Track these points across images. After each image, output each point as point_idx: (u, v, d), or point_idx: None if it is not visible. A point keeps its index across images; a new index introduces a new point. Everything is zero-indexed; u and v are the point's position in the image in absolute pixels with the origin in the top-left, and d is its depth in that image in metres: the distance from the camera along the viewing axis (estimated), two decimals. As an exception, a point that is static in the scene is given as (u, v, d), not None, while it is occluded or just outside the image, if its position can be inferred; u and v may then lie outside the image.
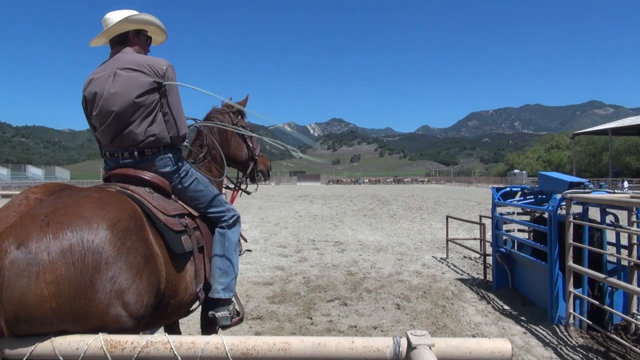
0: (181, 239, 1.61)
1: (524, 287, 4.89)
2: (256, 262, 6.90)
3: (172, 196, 1.70)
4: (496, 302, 4.71)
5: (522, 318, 4.16)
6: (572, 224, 3.77)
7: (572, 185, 4.16)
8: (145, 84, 1.60)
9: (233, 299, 1.82)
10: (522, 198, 5.21)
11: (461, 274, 6.07)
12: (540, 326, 3.90)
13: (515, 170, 70.35)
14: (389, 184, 76.52)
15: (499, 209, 5.37)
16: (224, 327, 1.78)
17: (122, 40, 1.76)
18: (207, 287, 1.73)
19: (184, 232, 1.65)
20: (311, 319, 4.12)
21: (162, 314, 1.45)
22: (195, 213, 1.76)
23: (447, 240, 7.59)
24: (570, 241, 3.79)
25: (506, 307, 4.53)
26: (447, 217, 7.95)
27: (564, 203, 3.91)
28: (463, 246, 7.34)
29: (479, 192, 32.61)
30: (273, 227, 11.66)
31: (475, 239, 7.92)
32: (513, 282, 5.04)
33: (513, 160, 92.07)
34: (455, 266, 6.60)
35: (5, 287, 0.99)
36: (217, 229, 1.83)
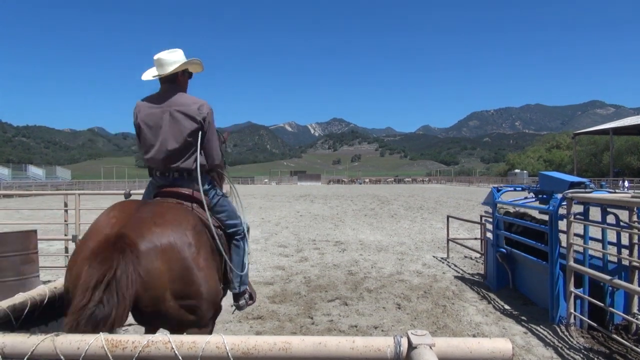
0: (220, 246, 2.09)
1: (524, 287, 4.89)
2: (257, 262, 6.91)
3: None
4: (497, 302, 4.71)
5: (523, 318, 4.15)
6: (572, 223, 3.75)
7: (572, 185, 4.16)
8: (194, 127, 2.09)
9: (247, 288, 2.42)
10: (522, 198, 5.19)
11: (462, 274, 6.07)
12: (541, 326, 3.89)
13: (516, 170, 70.31)
14: (390, 184, 76.24)
15: (500, 209, 5.34)
16: (240, 309, 2.39)
17: (172, 79, 2.16)
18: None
19: (220, 240, 2.14)
20: (312, 318, 4.12)
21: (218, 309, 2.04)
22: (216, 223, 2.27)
23: (448, 240, 7.58)
24: (571, 241, 3.77)
25: (507, 307, 4.52)
26: (448, 217, 7.94)
27: (564, 203, 3.90)
28: (464, 246, 7.40)
29: (479, 192, 32.67)
30: (274, 226, 11.61)
31: (476, 238, 7.90)
32: (514, 282, 5.03)
33: (514, 160, 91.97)
34: (456, 266, 6.60)
35: (138, 264, 1.45)
36: (233, 240, 2.27)
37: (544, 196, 4.81)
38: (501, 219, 5.27)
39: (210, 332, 1.76)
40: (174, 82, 2.17)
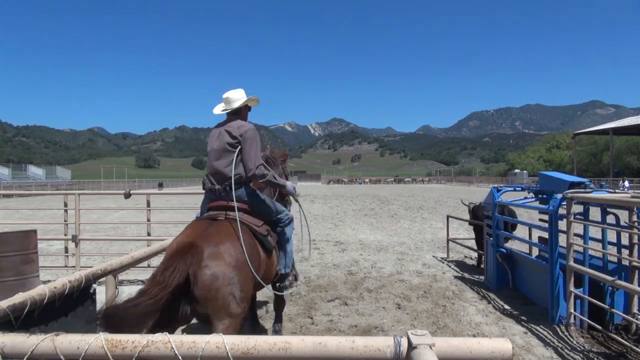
0: (268, 239, 2.73)
1: (524, 286, 4.87)
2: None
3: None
4: (497, 301, 4.70)
5: (523, 318, 4.15)
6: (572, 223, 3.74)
7: (572, 185, 4.14)
8: (232, 142, 2.72)
9: (292, 271, 3.08)
10: (522, 198, 5.19)
11: (462, 274, 6.06)
12: (541, 326, 3.89)
13: (516, 170, 70.14)
14: (390, 184, 76.10)
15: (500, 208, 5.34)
16: (286, 289, 3.00)
17: (235, 112, 2.89)
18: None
19: (268, 235, 2.75)
20: (312, 318, 4.13)
21: (265, 282, 2.76)
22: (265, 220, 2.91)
23: (448, 240, 7.55)
24: (571, 240, 3.76)
25: (507, 306, 4.52)
26: (448, 216, 7.91)
27: (564, 203, 3.89)
28: (464, 246, 7.36)
29: (479, 192, 32.59)
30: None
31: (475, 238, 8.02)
32: (514, 282, 5.02)
33: (514, 160, 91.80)
34: (456, 266, 6.60)
35: (208, 266, 2.07)
36: (277, 228, 2.94)
37: (544, 196, 4.79)
38: (501, 218, 5.24)
39: (238, 324, 2.24)
40: (237, 114, 2.93)
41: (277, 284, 2.99)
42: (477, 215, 6.48)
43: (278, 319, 3.42)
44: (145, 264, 5.60)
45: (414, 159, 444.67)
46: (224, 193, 2.73)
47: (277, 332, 3.39)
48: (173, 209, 15.70)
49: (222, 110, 2.92)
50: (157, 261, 6.67)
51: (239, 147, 2.72)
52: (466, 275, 5.98)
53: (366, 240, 9.17)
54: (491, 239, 5.35)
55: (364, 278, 5.76)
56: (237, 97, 2.90)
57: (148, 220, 5.95)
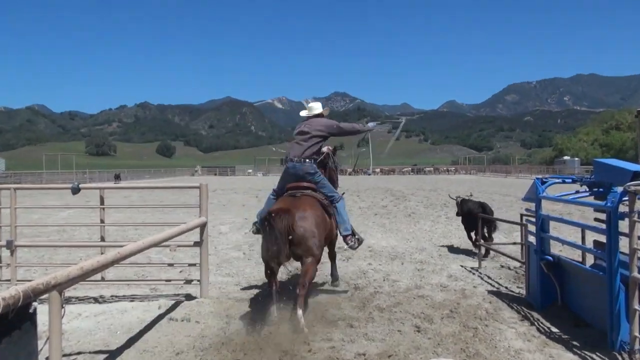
0: (328, 209, 5.20)
1: (576, 304, 4.89)
2: (239, 274, 6.99)
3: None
4: (541, 322, 4.71)
5: (575, 343, 4.16)
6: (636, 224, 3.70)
7: (637, 175, 4.08)
8: (316, 133, 5.56)
9: (353, 233, 5.40)
10: (573, 192, 5.18)
11: (498, 288, 6.09)
12: (598, 353, 3.90)
13: (566, 157, 69.76)
14: (406, 175, 76.15)
15: (545, 206, 5.41)
16: (352, 247, 5.40)
17: (317, 115, 5.76)
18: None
19: (329, 206, 5.24)
20: (309, 345, 4.12)
21: (334, 242, 5.98)
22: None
23: (480, 246, 7.60)
24: (636, 245, 3.71)
25: (554, 329, 4.53)
26: (480, 216, 7.92)
27: (626, 198, 3.87)
28: (500, 252, 7.37)
29: (519, 185, 32.57)
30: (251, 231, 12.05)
31: (515, 243, 7.95)
32: (563, 298, 5.04)
33: (562, 144, 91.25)
34: (490, 278, 6.64)
35: (299, 225, 4.43)
36: (333, 202, 5.33)
37: (600, 190, 4.78)
38: (547, 218, 5.25)
39: (317, 261, 4.68)
40: (318, 116, 5.79)
41: (345, 242, 5.47)
42: (464, 210, 8.70)
43: (333, 267, 6.21)
44: (98, 276, 5.61)
45: (436, 143, 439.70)
46: (299, 165, 5.32)
47: (334, 275, 6.18)
48: (133, 208, 15.00)
49: (307, 115, 5.80)
50: (114, 274, 6.75)
51: (322, 136, 5.51)
52: (503, 289, 6.01)
53: (376, 246, 9.22)
54: (533, 242, 5.35)
55: (374, 294, 5.81)
56: (317, 107, 5.88)
57: (102, 221, 5.98)
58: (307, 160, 5.40)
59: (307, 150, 5.44)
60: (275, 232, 4.34)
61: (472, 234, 8.44)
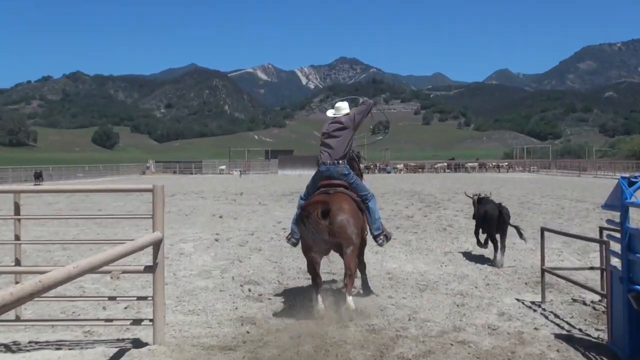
0: (361, 205, 7.29)
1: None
2: (207, 311, 7.01)
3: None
4: (629, 380, 4.78)
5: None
6: None
7: None
8: (342, 127, 7.65)
9: (383, 231, 7.38)
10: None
11: (568, 330, 6.08)
12: None
13: (663, 148, 69.61)
14: (440, 173, 75.69)
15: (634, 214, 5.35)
16: (381, 245, 7.54)
17: (344, 114, 7.61)
18: None
19: (361, 202, 7.30)
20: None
21: (364, 242, 7.78)
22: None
23: (543, 271, 7.58)
24: None
25: (647, 389, 4.62)
26: (543, 229, 7.91)
27: None
28: (571, 281, 7.33)
29: (598, 187, 32.66)
30: (237, 248, 11.81)
31: (592, 268, 7.91)
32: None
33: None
34: (557, 316, 6.64)
35: (338, 214, 6.41)
36: (365, 201, 7.30)
37: None
38: (638, 233, 5.20)
39: (357, 250, 6.82)
40: (346, 115, 7.57)
41: (375, 241, 7.37)
42: (480, 211, 10.37)
43: (364, 280, 7.74)
44: (11, 314, 5.56)
45: (482, 129, 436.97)
46: (333, 167, 7.07)
47: (366, 289, 7.64)
48: (61, 219, 15.40)
49: (334, 115, 7.53)
50: (33, 311, 6.73)
51: (348, 131, 7.32)
52: (575, 332, 6.00)
53: (399, 271, 9.26)
54: (618, 267, 5.37)
55: (396, 338, 5.80)
56: (344, 106, 7.60)
57: (16, 238, 5.95)
58: (340, 161, 7.25)
59: (338, 150, 7.30)
60: (314, 223, 6.23)
61: (482, 238, 10.46)
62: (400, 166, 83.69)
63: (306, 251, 6.66)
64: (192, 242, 12.62)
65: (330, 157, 7.24)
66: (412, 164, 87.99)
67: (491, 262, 9.92)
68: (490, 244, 10.16)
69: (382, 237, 7.30)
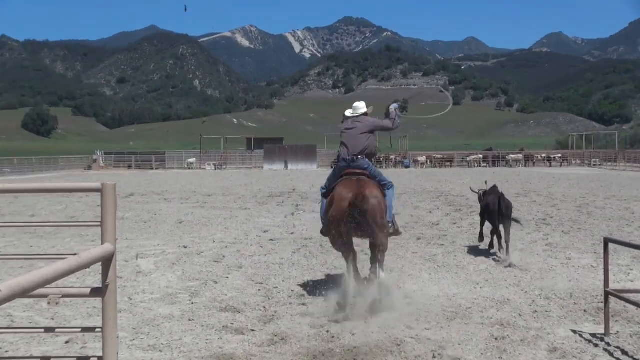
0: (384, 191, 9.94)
1: None
2: (173, 345, 7.02)
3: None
4: None
5: None
6: None
7: None
8: (365, 130, 10.14)
9: (392, 221, 9.64)
10: None
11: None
12: None
13: None
14: (475, 167, 75.67)
15: None
16: (390, 233, 9.82)
17: (363, 113, 10.24)
18: None
19: (381, 189, 9.88)
20: None
21: None
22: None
23: (607, 294, 7.60)
24: None
25: None
26: (607, 240, 7.92)
27: None
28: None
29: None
30: (210, 265, 11.96)
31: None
32: None
33: None
34: (625, 353, 6.62)
35: (371, 202, 8.65)
36: (384, 190, 9.78)
37: None
38: None
39: (387, 235, 9.21)
40: (364, 115, 10.18)
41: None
42: (482, 204, 12.97)
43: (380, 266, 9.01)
44: None
45: (528, 110, 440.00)
46: (352, 163, 9.24)
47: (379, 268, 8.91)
48: None
49: (352, 114, 9.94)
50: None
51: (371, 133, 9.69)
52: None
53: (421, 294, 9.29)
54: None
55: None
56: (362, 106, 10.03)
57: None
58: (360, 157, 9.31)
59: (359, 146, 9.37)
60: (347, 207, 8.37)
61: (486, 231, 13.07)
62: (422, 159, 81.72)
63: (335, 231, 8.73)
64: (152, 258, 12.64)
65: (349, 153, 9.46)
66: (438, 156, 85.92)
67: (501, 262, 11.65)
68: (494, 243, 12.68)
69: (390, 226, 9.35)
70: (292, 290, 9.58)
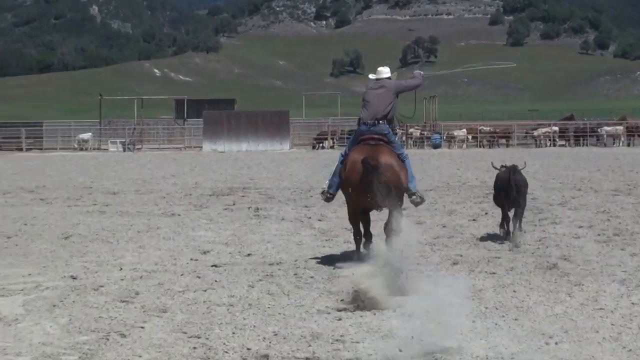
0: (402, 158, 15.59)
1: None
2: None
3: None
4: None
5: None
6: None
7: None
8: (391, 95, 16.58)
9: (418, 192, 16.40)
10: None
11: None
12: None
13: None
14: (546, 147, 68.20)
15: None
16: (415, 204, 16.63)
17: (387, 78, 17.03)
18: None
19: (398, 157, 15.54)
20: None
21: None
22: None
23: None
24: None
25: None
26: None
27: None
28: None
29: None
30: (115, 307, 10.99)
31: None
32: None
33: None
34: None
35: (389, 170, 15.34)
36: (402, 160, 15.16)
37: None
38: None
39: (401, 205, 15.20)
40: (388, 79, 16.80)
41: (410, 199, 15.34)
42: (496, 183, 16.62)
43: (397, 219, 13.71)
44: None
45: (632, 55, 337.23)
46: (373, 127, 15.12)
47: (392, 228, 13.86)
48: None
49: (377, 78, 16.30)
50: None
51: (396, 97, 15.86)
52: None
53: (459, 353, 8.62)
54: None
55: None
56: (386, 71, 16.30)
57: None
58: (381, 121, 12.97)
59: (380, 110, 13.21)
60: (366, 174, 12.83)
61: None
62: (460, 133, 73.32)
63: (354, 205, 12.59)
64: (20, 296, 11.64)
65: (371, 116, 12.81)
66: (486, 129, 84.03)
67: (509, 246, 14.74)
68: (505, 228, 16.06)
69: (418, 196, 13.51)
70: (248, 350, 8.83)
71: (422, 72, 14.72)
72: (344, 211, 17.98)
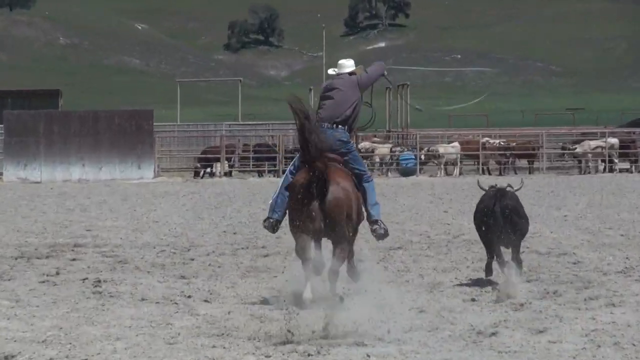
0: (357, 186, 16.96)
1: None
2: None
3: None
4: None
5: None
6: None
7: None
8: (355, 93, 17.44)
9: (378, 221, 16.63)
10: None
11: None
12: None
13: None
14: (589, 175, 52.76)
15: None
16: (379, 238, 16.94)
17: (350, 73, 18.29)
18: None
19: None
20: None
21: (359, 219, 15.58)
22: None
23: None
24: None
25: None
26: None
27: None
28: None
29: None
30: None
31: None
32: None
33: None
34: None
35: (333, 194, 15.53)
36: (362, 184, 17.63)
37: None
38: None
39: (350, 244, 14.58)
40: (349, 74, 17.60)
41: (371, 228, 14.96)
42: (476, 210, 14.54)
43: (352, 266, 14.13)
44: None
45: None
46: (329, 133, 15.57)
47: (352, 273, 14.51)
48: None
49: (337, 73, 16.47)
50: None
51: (355, 94, 16.10)
52: None
53: None
54: None
55: None
56: (349, 64, 16.73)
57: None
58: (340, 125, 13.10)
59: (339, 112, 13.24)
60: (305, 202, 11.55)
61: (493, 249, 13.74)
62: (449, 149, 59.25)
63: (295, 232, 12.54)
64: None
65: (328, 118, 13.32)
66: (494, 142, 61.05)
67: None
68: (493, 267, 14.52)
69: (381, 226, 13.27)
70: None
71: (382, 62, 12.94)
72: (248, 283, 16.31)
